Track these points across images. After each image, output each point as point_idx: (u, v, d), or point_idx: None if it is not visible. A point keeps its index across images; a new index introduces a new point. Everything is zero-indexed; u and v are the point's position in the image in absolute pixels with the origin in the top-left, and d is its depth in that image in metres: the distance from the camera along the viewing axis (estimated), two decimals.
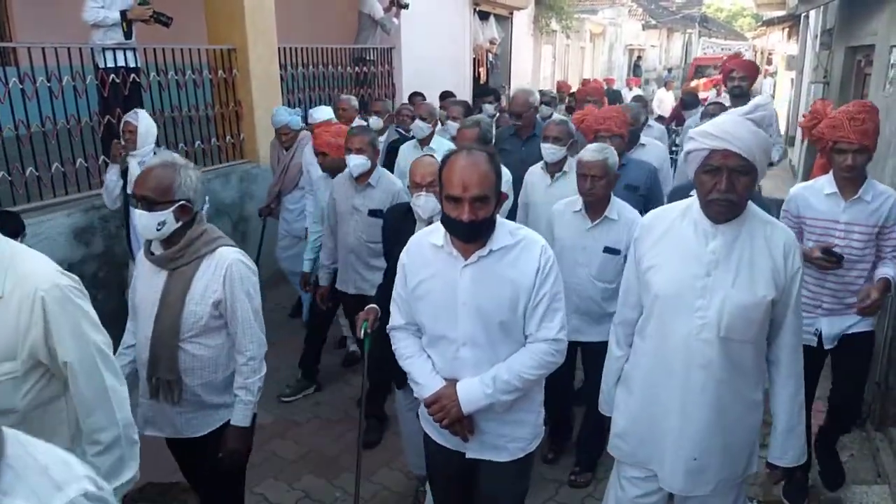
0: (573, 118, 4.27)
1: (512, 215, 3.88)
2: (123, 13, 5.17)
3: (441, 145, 4.56)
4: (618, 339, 2.36)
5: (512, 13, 13.27)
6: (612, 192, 3.26)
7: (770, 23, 16.00)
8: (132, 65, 5.18)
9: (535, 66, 15.83)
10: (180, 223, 2.26)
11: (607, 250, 3.22)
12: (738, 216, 2.04)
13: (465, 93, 10.31)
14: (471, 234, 2.04)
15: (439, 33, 9.92)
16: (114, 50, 5.04)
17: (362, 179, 3.73)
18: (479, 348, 2.10)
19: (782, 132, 10.25)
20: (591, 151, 3.18)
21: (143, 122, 4.09)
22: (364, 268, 3.82)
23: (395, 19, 8.32)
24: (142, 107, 5.23)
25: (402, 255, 2.25)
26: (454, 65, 10.62)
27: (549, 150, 3.78)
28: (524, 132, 4.73)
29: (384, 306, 2.56)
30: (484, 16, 11.82)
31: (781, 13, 13.58)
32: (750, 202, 2.09)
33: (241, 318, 2.32)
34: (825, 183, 3.02)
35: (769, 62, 26.74)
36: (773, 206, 3.53)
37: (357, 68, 8.00)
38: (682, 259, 2.08)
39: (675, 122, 9.67)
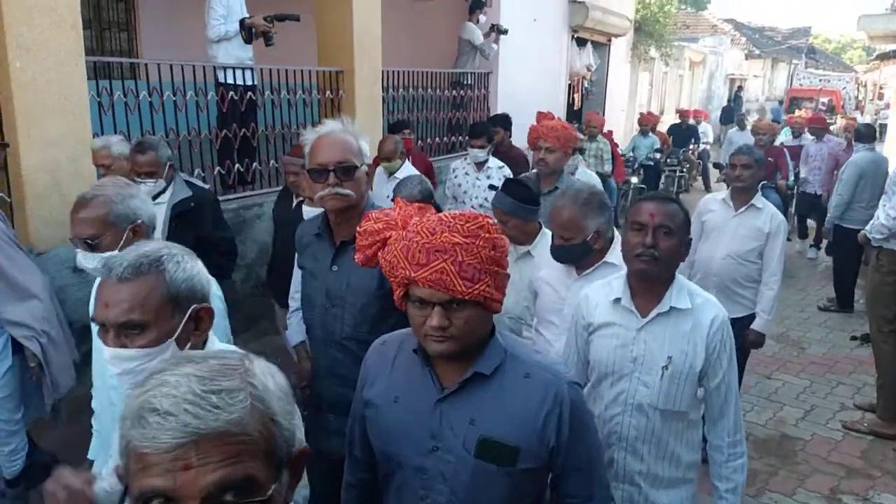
0: None
1: None
2: (242, 22, 5.39)
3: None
4: None
5: (610, 40, 13.21)
6: None
7: (885, 56, 15.28)
8: (249, 83, 5.51)
9: (631, 93, 15.68)
10: None
11: None
12: None
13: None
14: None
15: (536, 58, 10.03)
16: (234, 69, 5.38)
17: None
18: None
19: None
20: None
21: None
22: None
23: (494, 45, 8.49)
24: (256, 123, 5.59)
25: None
26: (549, 90, 10.68)
27: None
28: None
29: None
30: (581, 42, 11.83)
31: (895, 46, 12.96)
32: None
33: None
34: None
35: (880, 97, 25.44)
36: None
37: (454, 92, 8.19)
38: None
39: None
